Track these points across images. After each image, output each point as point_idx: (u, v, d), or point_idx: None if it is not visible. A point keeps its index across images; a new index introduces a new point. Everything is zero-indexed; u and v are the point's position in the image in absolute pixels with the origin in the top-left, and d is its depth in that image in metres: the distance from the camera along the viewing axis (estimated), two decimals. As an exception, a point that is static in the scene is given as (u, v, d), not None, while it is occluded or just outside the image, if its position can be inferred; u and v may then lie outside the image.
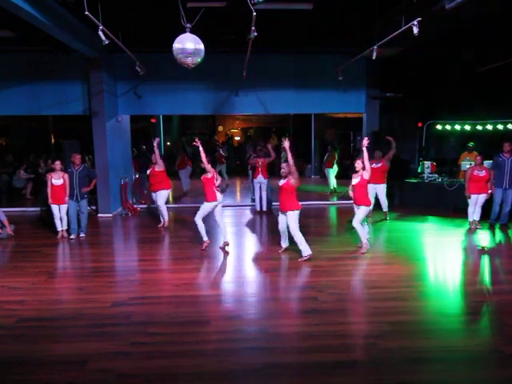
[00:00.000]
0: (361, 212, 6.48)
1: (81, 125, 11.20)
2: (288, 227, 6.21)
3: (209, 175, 6.64)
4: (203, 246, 6.77)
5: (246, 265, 6.22)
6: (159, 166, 8.28)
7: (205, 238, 6.78)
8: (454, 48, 9.55)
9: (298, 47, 9.90)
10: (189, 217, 9.34)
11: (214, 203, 6.61)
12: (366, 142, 6.37)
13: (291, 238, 6.28)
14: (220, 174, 13.27)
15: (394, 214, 9.22)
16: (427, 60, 10.52)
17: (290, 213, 6.09)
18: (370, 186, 7.84)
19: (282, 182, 6.19)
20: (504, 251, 6.86)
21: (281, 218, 6.33)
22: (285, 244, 6.57)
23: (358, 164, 6.50)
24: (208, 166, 6.65)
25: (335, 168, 12.52)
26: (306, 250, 6.10)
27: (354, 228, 6.56)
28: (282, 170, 6.19)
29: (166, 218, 8.45)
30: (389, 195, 8.87)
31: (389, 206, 8.75)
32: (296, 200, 6.16)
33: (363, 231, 6.55)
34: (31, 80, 9.78)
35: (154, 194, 8.47)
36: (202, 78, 10.02)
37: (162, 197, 8.34)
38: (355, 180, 6.55)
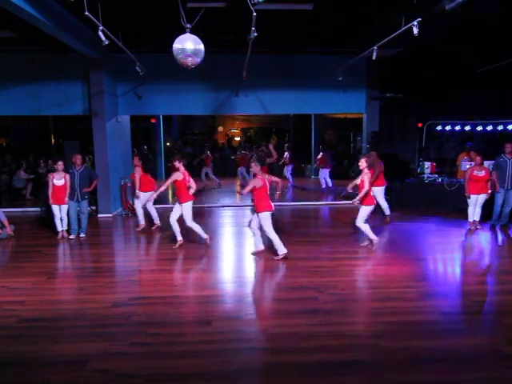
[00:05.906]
0: (366, 211, 6.58)
1: (81, 125, 11.23)
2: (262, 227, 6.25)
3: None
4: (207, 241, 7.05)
5: (246, 265, 6.22)
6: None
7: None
8: (453, 48, 9.56)
9: (298, 47, 9.91)
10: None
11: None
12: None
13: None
14: (207, 175, 13.53)
15: (394, 214, 9.20)
16: (427, 60, 10.52)
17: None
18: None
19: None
20: (504, 251, 6.85)
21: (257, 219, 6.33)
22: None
23: (362, 163, 6.58)
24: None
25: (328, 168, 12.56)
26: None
27: (359, 228, 6.69)
28: (253, 169, 6.25)
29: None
30: (389, 196, 8.85)
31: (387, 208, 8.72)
32: None
33: (368, 229, 6.66)
34: (31, 80, 9.79)
35: (146, 194, 8.19)
36: (202, 79, 10.03)
37: (152, 198, 8.07)
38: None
